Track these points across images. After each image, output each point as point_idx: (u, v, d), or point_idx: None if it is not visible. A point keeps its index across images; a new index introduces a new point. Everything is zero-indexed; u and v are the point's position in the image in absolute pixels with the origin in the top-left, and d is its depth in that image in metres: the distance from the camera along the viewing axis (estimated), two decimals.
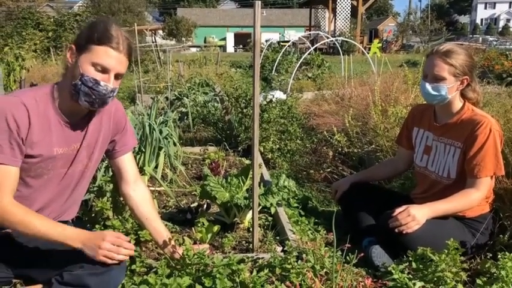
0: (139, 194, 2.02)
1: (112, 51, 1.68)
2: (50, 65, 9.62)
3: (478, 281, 1.73)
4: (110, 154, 2.02)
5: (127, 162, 2.03)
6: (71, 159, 1.83)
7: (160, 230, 2.02)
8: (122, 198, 2.16)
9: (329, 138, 4.05)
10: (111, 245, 1.61)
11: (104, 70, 1.68)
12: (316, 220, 2.73)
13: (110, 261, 1.61)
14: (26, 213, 1.64)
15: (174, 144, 3.64)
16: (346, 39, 14.74)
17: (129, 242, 1.70)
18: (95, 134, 1.87)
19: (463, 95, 2.26)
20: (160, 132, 3.38)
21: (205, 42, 30.80)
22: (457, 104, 2.26)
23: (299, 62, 8.50)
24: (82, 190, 1.98)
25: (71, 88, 1.68)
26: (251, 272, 1.81)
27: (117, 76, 1.73)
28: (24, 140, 1.65)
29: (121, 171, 2.03)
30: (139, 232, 2.07)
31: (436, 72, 2.17)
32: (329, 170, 3.78)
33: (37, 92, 1.73)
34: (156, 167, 3.38)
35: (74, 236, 1.64)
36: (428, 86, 2.21)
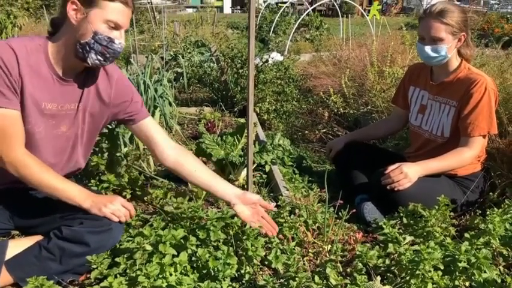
0: (188, 159, 1.98)
1: (124, 7, 1.64)
2: (44, 24, 9.38)
3: (466, 235, 1.78)
4: (126, 122, 1.95)
5: (151, 126, 1.95)
6: (64, 120, 1.77)
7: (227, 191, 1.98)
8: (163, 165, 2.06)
9: (325, 99, 4.05)
10: (122, 206, 1.69)
11: (116, 27, 1.65)
12: (310, 178, 2.76)
13: (115, 218, 1.66)
14: (41, 168, 1.64)
15: (170, 104, 3.62)
16: (345, 0, 14.42)
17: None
18: (90, 97, 1.81)
19: (458, 51, 2.25)
20: (156, 90, 3.36)
21: (201, 2, 30.09)
22: (455, 62, 2.25)
23: (297, 23, 8.35)
24: (80, 156, 1.91)
25: (78, 46, 1.63)
26: (244, 226, 1.84)
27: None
28: (16, 86, 1.59)
29: (149, 138, 1.95)
30: (135, 188, 2.10)
31: (433, 34, 2.14)
32: (324, 130, 3.80)
33: (29, 42, 1.65)
34: None
35: (85, 196, 1.67)
36: (427, 49, 2.17)
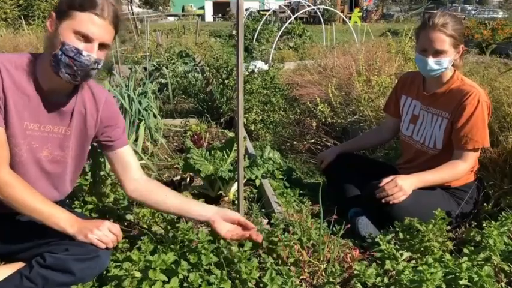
0: (157, 187, 1.89)
1: (96, 18, 1.53)
2: (22, 34, 9.17)
3: (465, 250, 1.73)
4: (103, 146, 1.85)
5: (128, 155, 1.86)
6: (47, 144, 1.68)
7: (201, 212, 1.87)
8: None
9: (312, 109, 4.01)
10: (109, 231, 1.59)
11: (87, 39, 1.53)
12: (301, 191, 2.71)
13: (101, 245, 1.56)
14: (25, 189, 1.54)
15: (155, 116, 3.54)
16: (327, 7, 14.56)
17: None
18: (77, 121, 1.72)
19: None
20: (140, 103, 3.27)
21: (183, 11, 29.99)
22: (448, 73, 2.22)
23: (280, 32, 8.34)
24: (67, 182, 1.81)
25: (51, 59, 1.53)
26: (237, 246, 1.77)
27: (102, 46, 1.57)
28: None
29: (124, 165, 1.84)
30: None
31: (438, 46, 2.09)
32: (313, 141, 3.75)
33: (16, 59, 1.57)
34: (136, 140, 3.28)
35: (72, 221, 1.56)
36: (430, 62, 2.12)
